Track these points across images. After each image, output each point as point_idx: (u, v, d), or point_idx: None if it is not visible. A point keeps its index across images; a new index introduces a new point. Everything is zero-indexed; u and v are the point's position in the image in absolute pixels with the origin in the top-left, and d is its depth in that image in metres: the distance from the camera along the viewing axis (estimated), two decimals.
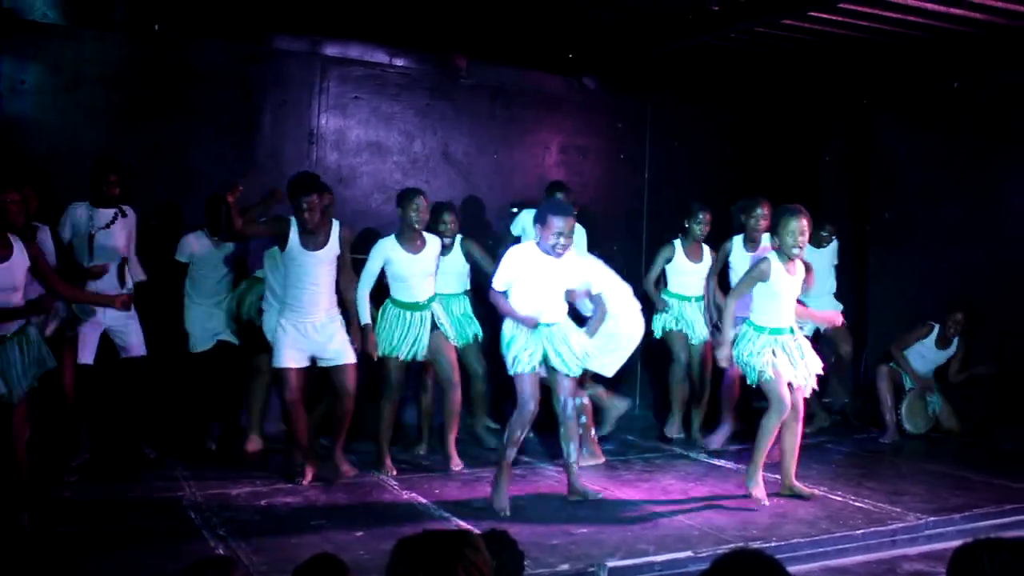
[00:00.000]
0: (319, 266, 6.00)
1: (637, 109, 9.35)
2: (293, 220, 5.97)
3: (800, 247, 5.78)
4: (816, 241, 8.12)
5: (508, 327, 5.71)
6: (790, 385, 5.87)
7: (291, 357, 6.01)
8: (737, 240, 7.35)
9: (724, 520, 5.53)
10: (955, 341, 8.08)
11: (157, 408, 6.95)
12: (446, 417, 6.76)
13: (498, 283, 5.71)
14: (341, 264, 6.13)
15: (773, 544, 5.05)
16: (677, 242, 7.74)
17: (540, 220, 5.61)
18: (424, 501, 5.81)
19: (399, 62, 8.35)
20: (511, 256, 5.70)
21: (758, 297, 5.93)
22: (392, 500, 5.87)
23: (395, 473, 6.47)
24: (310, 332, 6.02)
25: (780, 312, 5.90)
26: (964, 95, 8.66)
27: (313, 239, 5.98)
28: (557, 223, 5.51)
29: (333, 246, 6.05)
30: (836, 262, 8.50)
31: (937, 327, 8.05)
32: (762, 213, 7.13)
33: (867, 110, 9.65)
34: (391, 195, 7.81)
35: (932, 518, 5.65)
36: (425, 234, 6.60)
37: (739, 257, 7.27)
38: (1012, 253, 8.14)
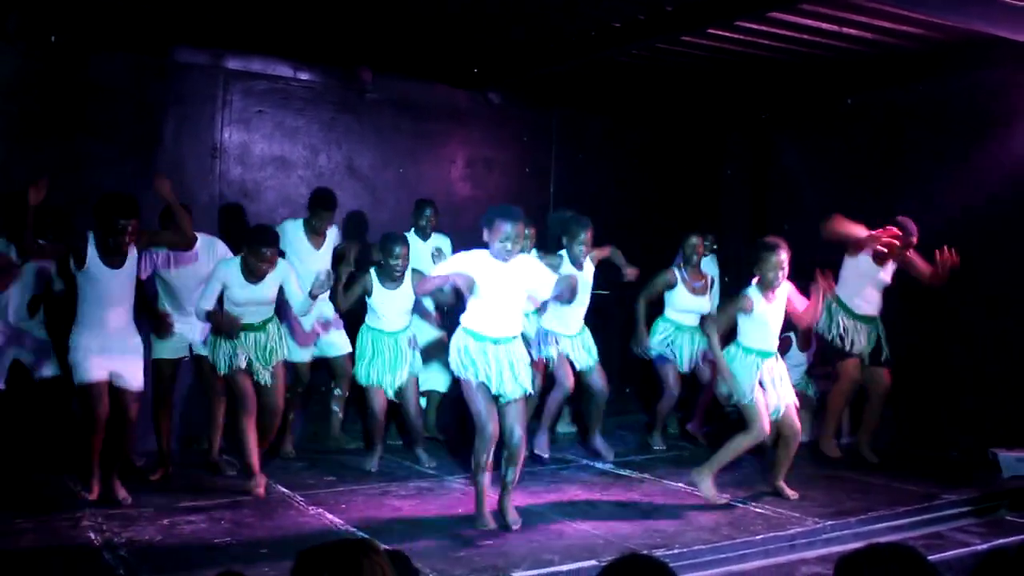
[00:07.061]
0: (124, 284, 5.82)
1: (543, 122, 9.44)
2: (90, 235, 5.70)
3: (781, 279, 6.15)
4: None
5: (457, 338, 5.61)
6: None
7: (97, 373, 5.72)
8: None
9: (629, 529, 5.59)
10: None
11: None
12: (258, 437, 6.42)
13: (439, 269, 5.68)
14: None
15: (676, 551, 5.14)
16: None
17: (487, 225, 5.49)
18: (331, 517, 5.77)
19: (304, 76, 8.31)
20: (461, 254, 5.62)
21: (744, 323, 6.21)
22: (298, 517, 5.81)
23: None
24: (111, 344, 5.77)
25: (765, 336, 6.20)
26: (858, 112, 8.91)
27: (117, 256, 5.75)
28: (505, 227, 5.41)
29: (132, 262, 5.85)
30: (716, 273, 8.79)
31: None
32: (585, 239, 7.13)
33: (767, 126, 9.87)
34: (296, 209, 7.78)
35: (830, 522, 5.80)
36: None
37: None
38: None
